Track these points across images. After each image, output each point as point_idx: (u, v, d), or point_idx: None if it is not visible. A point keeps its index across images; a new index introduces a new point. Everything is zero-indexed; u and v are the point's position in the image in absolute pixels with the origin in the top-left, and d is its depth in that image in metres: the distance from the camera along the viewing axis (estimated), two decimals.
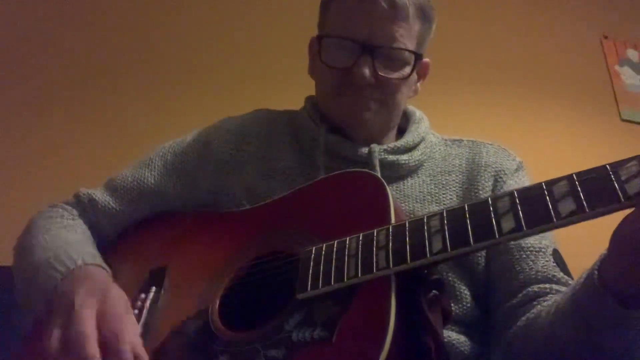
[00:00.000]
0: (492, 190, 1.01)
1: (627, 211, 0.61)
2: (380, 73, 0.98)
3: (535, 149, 2.24)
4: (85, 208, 1.04)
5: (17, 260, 0.96)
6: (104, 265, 0.87)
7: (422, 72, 1.08)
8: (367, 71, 0.96)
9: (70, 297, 0.76)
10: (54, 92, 1.95)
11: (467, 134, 1.14)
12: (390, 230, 0.72)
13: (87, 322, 0.72)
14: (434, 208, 0.98)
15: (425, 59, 1.07)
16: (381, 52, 0.97)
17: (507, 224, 0.64)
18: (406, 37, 0.98)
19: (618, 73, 2.83)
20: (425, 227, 0.69)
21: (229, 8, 2.28)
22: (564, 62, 2.72)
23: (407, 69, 1.00)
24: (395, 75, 0.99)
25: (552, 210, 0.61)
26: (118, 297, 0.77)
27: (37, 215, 1.03)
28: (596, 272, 0.68)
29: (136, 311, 0.87)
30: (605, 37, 2.89)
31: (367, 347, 0.64)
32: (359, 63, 0.96)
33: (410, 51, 0.99)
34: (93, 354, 0.69)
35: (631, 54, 2.92)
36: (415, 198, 1.00)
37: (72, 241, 0.94)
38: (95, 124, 1.95)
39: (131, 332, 0.73)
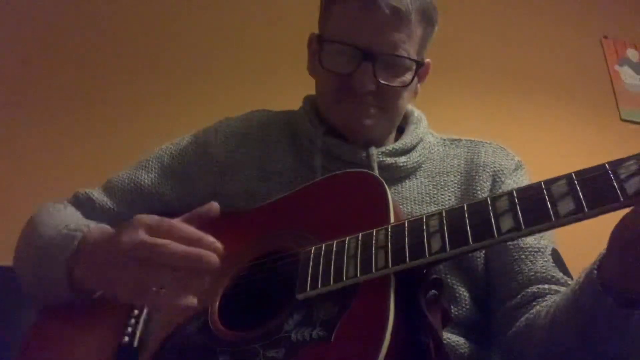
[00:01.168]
0: (491, 190, 1.01)
1: (627, 210, 0.61)
2: (381, 80, 0.96)
3: (535, 149, 2.24)
4: (84, 207, 1.04)
5: (24, 245, 0.97)
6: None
7: (423, 73, 1.07)
8: (367, 79, 0.95)
9: (109, 243, 0.76)
10: (54, 92, 1.96)
11: (466, 133, 1.13)
12: (390, 230, 0.72)
13: (142, 237, 0.71)
14: (433, 209, 0.97)
15: (427, 60, 1.06)
16: (382, 60, 0.96)
17: (506, 223, 0.64)
18: (408, 43, 0.97)
19: (618, 73, 2.83)
20: (424, 227, 0.69)
21: (227, 8, 2.28)
22: (564, 62, 2.72)
23: (409, 75, 0.99)
24: (397, 82, 0.98)
25: (551, 210, 0.61)
26: (145, 215, 0.76)
27: (39, 209, 1.03)
28: (595, 271, 0.68)
29: (136, 311, 0.87)
30: (605, 37, 2.89)
31: (365, 347, 0.64)
32: (359, 70, 0.95)
33: (412, 59, 0.98)
34: (172, 244, 0.69)
35: (631, 54, 2.92)
36: (414, 200, 1.00)
37: (79, 218, 0.97)
38: (95, 124, 1.95)
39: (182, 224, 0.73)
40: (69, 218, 0.96)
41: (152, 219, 0.74)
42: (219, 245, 0.72)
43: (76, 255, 0.83)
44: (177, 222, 0.74)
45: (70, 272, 0.84)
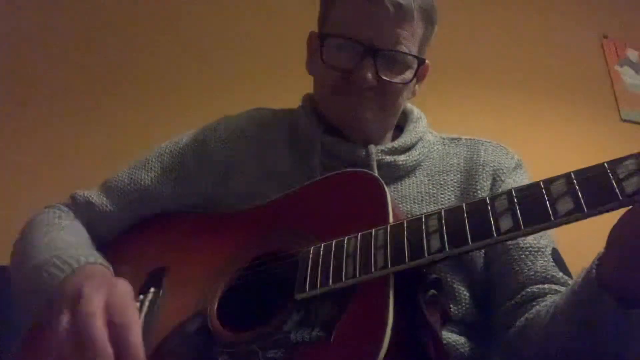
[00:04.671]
0: (491, 189, 1.01)
1: (625, 209, 0.61)
2: (382, 76, 0.97)
3: (535, 149, 2.24)
4: (82, 210, 1.04)
5: (16, 263, 0.95)
6: (106, 264, 0.87)
7: (422, 73, 1.07)
8: (369, 74, 0.95)
9: (77, 288, 0.72)
10: (53, 92, 1.96)
11: (466, 133, 1.13)
12: (389, 229, 0.72)
13: (96, 305, 0.69)
14: (432, 208, 0.97)
15: (426, 61, 1.06)
16: (384, 55, 0.96)
17: (505, 223, 0.64)
18: (410, 41, 0.98)
19: (618, 73, 2.84)
20: (424, 227, 0.69)
21: (226, 8, 2.28)
22: (564, 62, 2.72)
23: (409, 73, 1.00)
24: (397, 79, 0.99)
25: (550, 209, 0.61)
26: (125, 290, 0.74)
27: (33, 218, 1.02)
28: (594, 270, 0.68)
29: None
30: (605, 37, 2.90)
31: (365, 347, 0.63)
32: (361, 65, 0.95)
33: (413, 55, 0.99)
34: (101, 335, 0.66)
35: (631, 54, 2.93)
36: (413, 199, 1.00)
37: (72, 243, 0.93)
38: (94, 124, 1.95)
39: (138, 327, 0.70)
40: (65, 239, 0.93)
41: (122, 298, 0.71)
42: None
43: (58, 290, 0.78)
44: (132, 322, 0.69)
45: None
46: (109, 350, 0.66)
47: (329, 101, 1.03)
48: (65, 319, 0.69)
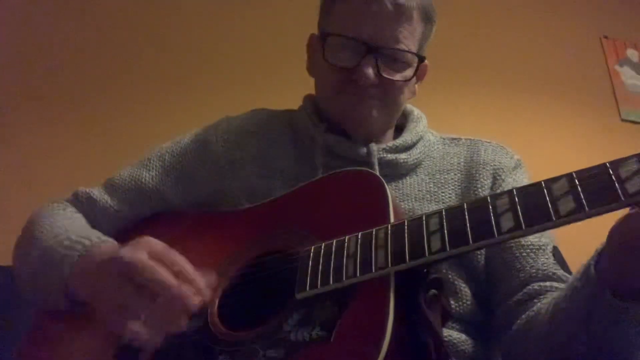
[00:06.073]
0: (491, 189, 1.01)
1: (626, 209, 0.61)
2: (383, 74, 0.98)
3: (535, 149, 2.24)
4: (84, 207, 1.04)
5: (21, 252, 0.96)
6: (115, 242, 0.88)
7: (421, 73, 1.08)
8: (371, 71, 0.96)
9: (111, 259, 0.77)
10: (54, 92, 1.96)
11: (466, 133, 1.14)
12: (389, 229, 0.72)
13: (146, 259, 0.73)
14: (433, 207, 0.98)
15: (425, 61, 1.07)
16: (385, 53, 0.98)
17: (507, 223, 0.64)
18: (409, 39, 0.99)
19: (618, 73, 2.83)
20: (424, 226, 0.69)
21: (227, 8, 2.28)
22: (564, 62, 2.72)
23: (410, 71, 1.01)
24: (398, 76, 1.00)
25: (551, 209, 0.61)
26: (154, 239, 0.78)
27: (38, 210, 1.03)
28: (593, 267, 0.68)
29: None
30: (605, 37, 2.90)
31: (365, 346, 0.63)
32: (363, 63, 0.96)
33: (413, 53, 1.00)
34: (171, 278, 0.72)
35: (631, 54, 2.92)
36: (415, 197, 1.00)
37: (79, 226, 0.96)
38: (95, 123, 1.95)
39: (183, 259, 0.75)
40: (71, 224, 0.96)
41: (158, 244, 0.77)
42: (206, 293, 0.76)
43: (73, 270, 0.84)
44: (179, 257, 0.76)
45: (67, 284, 0.85)
46: (186, 285, 0.72)
47: (332, 100, 1.04)
48: (128, 289, 0.73)
